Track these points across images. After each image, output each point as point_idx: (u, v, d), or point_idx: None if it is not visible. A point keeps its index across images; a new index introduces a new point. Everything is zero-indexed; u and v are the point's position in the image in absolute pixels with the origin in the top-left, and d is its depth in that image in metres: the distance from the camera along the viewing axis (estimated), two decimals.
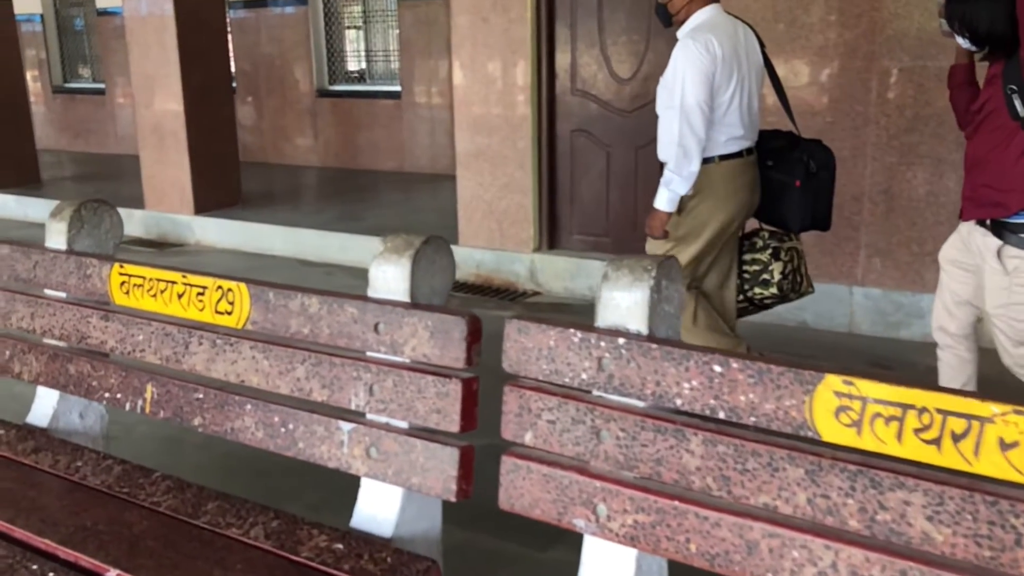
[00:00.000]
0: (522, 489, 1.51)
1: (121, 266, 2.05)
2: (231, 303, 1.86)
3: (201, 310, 1.91)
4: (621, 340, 1.42)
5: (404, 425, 1.66)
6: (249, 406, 1.83)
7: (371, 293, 1.73)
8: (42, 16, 11.49)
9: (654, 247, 3.14)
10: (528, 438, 1.51)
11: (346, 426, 1.70)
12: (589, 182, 5.06)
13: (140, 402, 1.99)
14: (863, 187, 4.16)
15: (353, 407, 1.70)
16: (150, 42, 6.68)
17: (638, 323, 1.44)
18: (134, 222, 7.13)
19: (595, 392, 1.46)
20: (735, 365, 1.32)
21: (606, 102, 4.92)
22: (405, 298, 1.69)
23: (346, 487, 1.80)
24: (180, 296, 1.94)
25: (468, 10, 5.12)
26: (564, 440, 1.47)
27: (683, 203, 3.06)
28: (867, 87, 4.09)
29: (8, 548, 1.64)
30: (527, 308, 4.90)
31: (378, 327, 1.68)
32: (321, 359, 1.74)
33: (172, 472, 1.91)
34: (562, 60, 5.02)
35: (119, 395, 2.03)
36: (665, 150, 3.02)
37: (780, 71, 3.52)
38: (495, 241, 5.30)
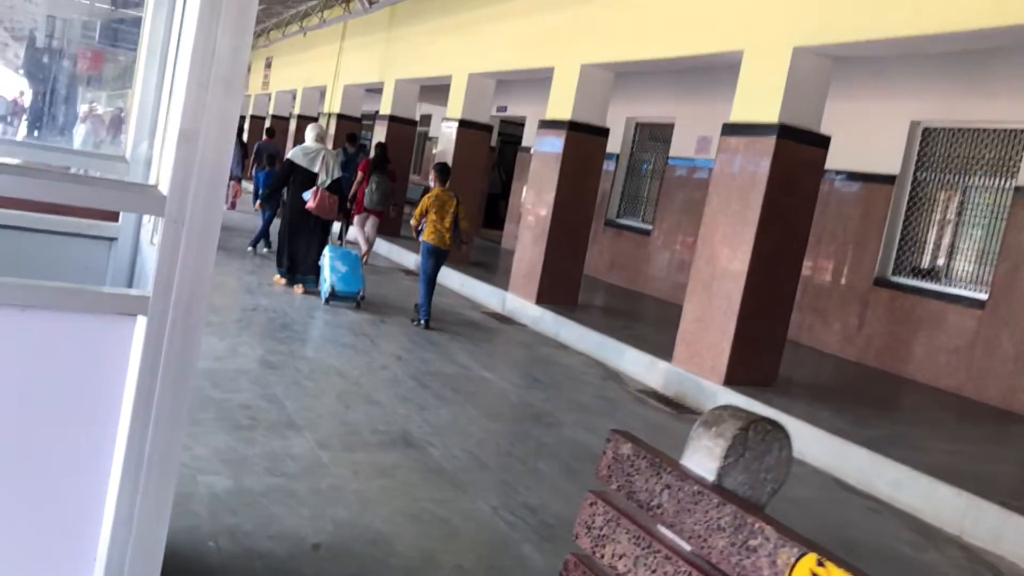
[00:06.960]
0: None
1: (820, 563, 1.22)
2: None
3: None
4: None
5: None
6: None
7: None
8: (618, 156, 12.34)
9: None
10: None
11: None
12: None
13: None
14: None
15: None
16: (733, 198, 6.29)
17: None
18: (656, 372, 6.72)
19: None
20: None
21: None
22: None
23: None
24: None
25: None
26: None
27: None
28: None
29: None
30: None
31: None
32: None
33: None
34: None
35: None
36: None
37: None
38: None
